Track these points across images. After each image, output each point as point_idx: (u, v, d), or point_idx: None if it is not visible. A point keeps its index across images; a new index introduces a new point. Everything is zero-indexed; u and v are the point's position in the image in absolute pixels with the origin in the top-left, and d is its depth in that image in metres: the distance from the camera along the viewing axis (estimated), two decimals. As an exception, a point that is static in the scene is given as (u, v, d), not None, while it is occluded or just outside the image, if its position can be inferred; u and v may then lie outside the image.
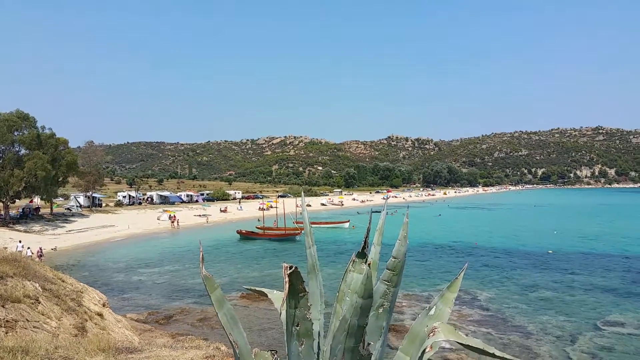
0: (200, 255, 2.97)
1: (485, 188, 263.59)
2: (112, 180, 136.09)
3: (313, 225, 55.80)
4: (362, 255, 3.43)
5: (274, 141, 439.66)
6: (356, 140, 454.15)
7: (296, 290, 2.95)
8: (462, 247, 41.87)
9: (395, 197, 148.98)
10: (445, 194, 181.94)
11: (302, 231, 35.14)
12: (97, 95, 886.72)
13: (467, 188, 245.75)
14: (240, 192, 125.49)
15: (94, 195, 72.74)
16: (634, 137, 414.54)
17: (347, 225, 60.16)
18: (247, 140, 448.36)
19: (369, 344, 3.12)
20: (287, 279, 2.81)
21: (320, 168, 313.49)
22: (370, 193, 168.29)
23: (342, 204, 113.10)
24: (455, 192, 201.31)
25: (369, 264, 3.18)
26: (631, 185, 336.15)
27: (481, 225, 62.65)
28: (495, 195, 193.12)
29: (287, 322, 3.11)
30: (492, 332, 17.76)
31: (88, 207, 69.60)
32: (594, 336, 17.35)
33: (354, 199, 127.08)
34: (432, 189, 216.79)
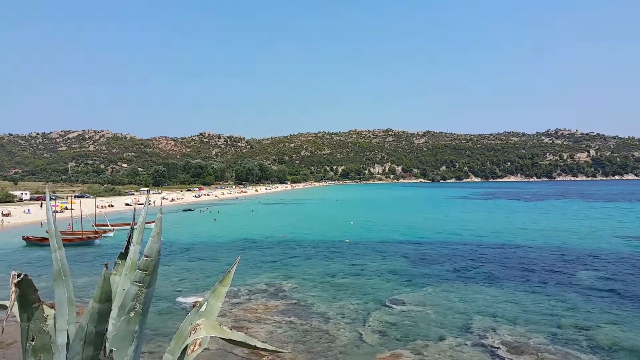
0: None
1: (294, 184, 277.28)
2: None
3: (117, 227, 51.25)
4: (125, 256, 3.08)
5: (70, 135, 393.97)
6: (166, 137, 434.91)
7: (29, 301, 2.57)
8: (272, 240, 43.11)
9: (208, 195, 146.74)
10: (257, 190, 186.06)
11: (103, 234, 31.78)
12: None
13: (277, 185, 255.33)
14: (29, 192, 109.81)
15: None
16: (416, 139, 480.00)
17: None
18: (38, 133, 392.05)
19: (111, 350, 2.78)
20: (14, 289, 2.49)
21: (125, 165, 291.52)
22: (182, 191, 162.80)
23: (150, 204, 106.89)
24: (266, 188, 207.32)
25: (106, 265, 2.84)
26: (414, 180, 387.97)
27: (289, 220, 65.60)
28: (302, 191, 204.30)
29: (22, 336, 2.64)
30: (295, 320, 18.51)
31: None
32: (382, 314, 19.28)
33: (163, 198, 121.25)
34: (245, 186, 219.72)
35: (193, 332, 2.72)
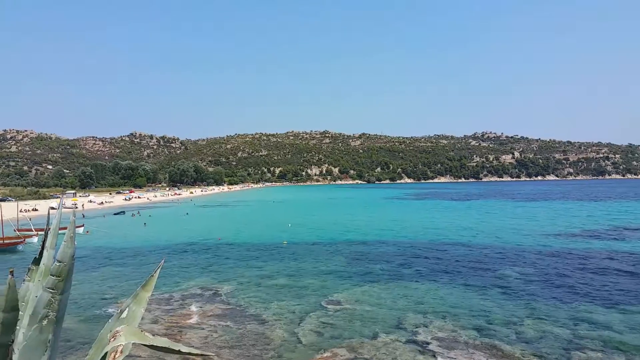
0: None
1: (230, 186, 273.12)
2: None
3: (41, 232, 48.07)
4: (39, 261, 2.87)
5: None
6: (93, 137, 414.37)
7: None
8: (207, 243, 42.19)
9: (139, 197, 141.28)
10: (191, 193, 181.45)
11: (26, 240, 29.67)
12: None
13: (214, 187, 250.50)
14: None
15: None
16: (352, 141, 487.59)
17: (81, 230, 54.16)
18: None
19: None
20: None
21: (50, 167, 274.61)
22: (111, 194, 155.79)
23: (77, 207, 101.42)
24: (202, 190, 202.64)
25: (11, 272, 2.63)
26: (350, 182, 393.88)
27: (225, 222, 64.56)
28: (239, 192, 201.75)
29: None
30: (231, 324, 18.21)
31: None
32: (319, 314, 19.40)
33: (90, 201, 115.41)
34: (179, 188, 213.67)
35: (112, 339, 2.62)
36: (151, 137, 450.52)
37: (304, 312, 19.81)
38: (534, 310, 19.77)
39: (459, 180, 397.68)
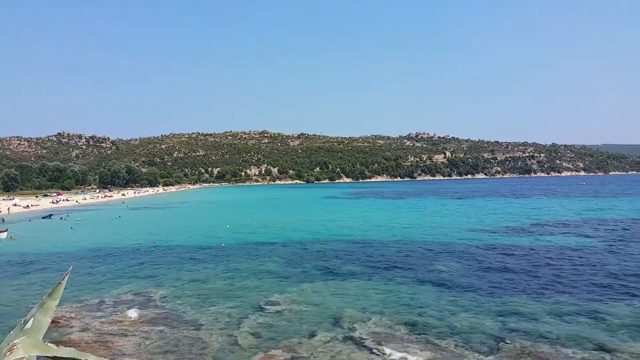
0: None
1: (166, 187, 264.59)
2: None
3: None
4: None
5: None
6: (18, 137, 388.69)
7: None
8: (141, 247, 40.65)
9: (67, 200, 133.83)
10: (124, 195, 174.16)
11: None
12: None
13: (148, 188, 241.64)
14: None
15: None
16: (291, 141, 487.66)
17: (4, 235, 50.54)
18: None
19: None
20: None
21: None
22: (37, 197, 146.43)
23: (0, 211, 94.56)
24: (135, 192, 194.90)
25: None
26: (290, 182, 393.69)
27: (160, 225, 62.56)
28: (175, 194, 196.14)
29: None
30: (165, 330, 17.68)
31: None
32: (257, 316, 19.24)
33: (15, 205, 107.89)
34: (110, 190, 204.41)
35: (9, 352, 2.39)
36: (80, 136, 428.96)
37: (242, 314, 19.60)
38: (465, 303, 20.65)
39: (395, 180, 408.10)
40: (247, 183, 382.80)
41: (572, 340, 15.85)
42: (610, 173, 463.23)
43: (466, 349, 15.45)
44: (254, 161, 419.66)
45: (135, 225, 62.43)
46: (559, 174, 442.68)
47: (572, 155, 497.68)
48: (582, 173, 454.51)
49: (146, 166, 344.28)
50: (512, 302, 20.70)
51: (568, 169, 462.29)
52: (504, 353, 15.00)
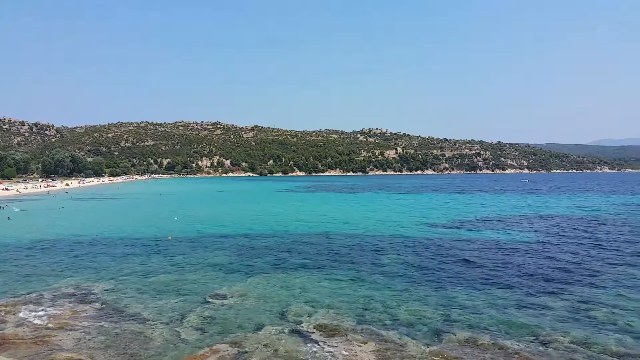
0: None
1: (112, 178, 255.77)
2: None
3: None
4: None
5: None
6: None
7: None
8: (84, 239, 39.12)
9: (7, 189, 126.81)
10: (67, 184, 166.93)
11: None
12: None
13: (93, 178, 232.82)
14: None
15: None
16: (244, 133, 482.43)
17: None
18: None
19: None
20: None
21: None
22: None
23: None
24: (79, 182, 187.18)
25: None
26: (242, 174, 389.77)
27: (105, 216, 60.47)
28: (122, 185, 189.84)
29: None
30: (106, 325, 17.12)
31: None
32: (202, 310, 18.95)
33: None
34: (53, 180, 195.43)
35: None
36: (22, 123, 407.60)
37: (187, 308, 19.28)
38: (409, 296, 21.16)
39: (348, 174, 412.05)
40: (199, 175, 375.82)
41: (510, 331, 16.58)
42: (552, 171, 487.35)
43: (409, 339, 15.86)
44: (205, 153, 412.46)
45: (79, 217, 60.06)
46: (503, 171, 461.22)
47: (516, 154, 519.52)
48: (526, 171, 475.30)
49: (92, 155, 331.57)
50: (454, 294, 21.39)
51: (512, 167, 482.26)
52: (445, 343, 15.51)
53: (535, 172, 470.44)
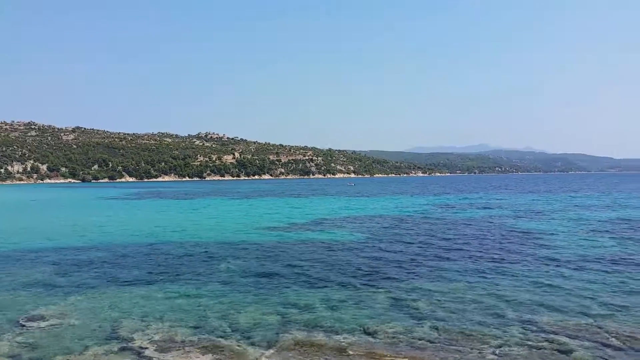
0: None
1: None
2: None
3: None
4: None
5: None
6: None
7: None
8: None
9: None
10: None
11: None
12: None
13: None
14: None
15: None
16: (64, 135, 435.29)
17: None
18: None
19: None
20: None
21: None
22: None
23: None
24: None
25: None
26: (62, 180, 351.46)
27: None
28: None
29: None
30: None
31: None
32: (15, 335, 16.69)
33: None
34: None
35: None
36: None
37: (-6, 335, 16.78)
38: (247, 300, 21.31)
39: (184, 179, 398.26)
40: (8, 182, 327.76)
41: (342, 326, 17.74)
42: (375, 175, 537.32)
43: (248, 345, 16.00)
44: (17, 157, 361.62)
45: None
46: (334, 176, 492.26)
47: (344, 160, 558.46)
48: (353, 175, 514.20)
49: None
50: (291, 295, 22.15)
51: (341, 172, 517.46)
52: (282, 344, 16.00)
53: (360, 176, 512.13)
